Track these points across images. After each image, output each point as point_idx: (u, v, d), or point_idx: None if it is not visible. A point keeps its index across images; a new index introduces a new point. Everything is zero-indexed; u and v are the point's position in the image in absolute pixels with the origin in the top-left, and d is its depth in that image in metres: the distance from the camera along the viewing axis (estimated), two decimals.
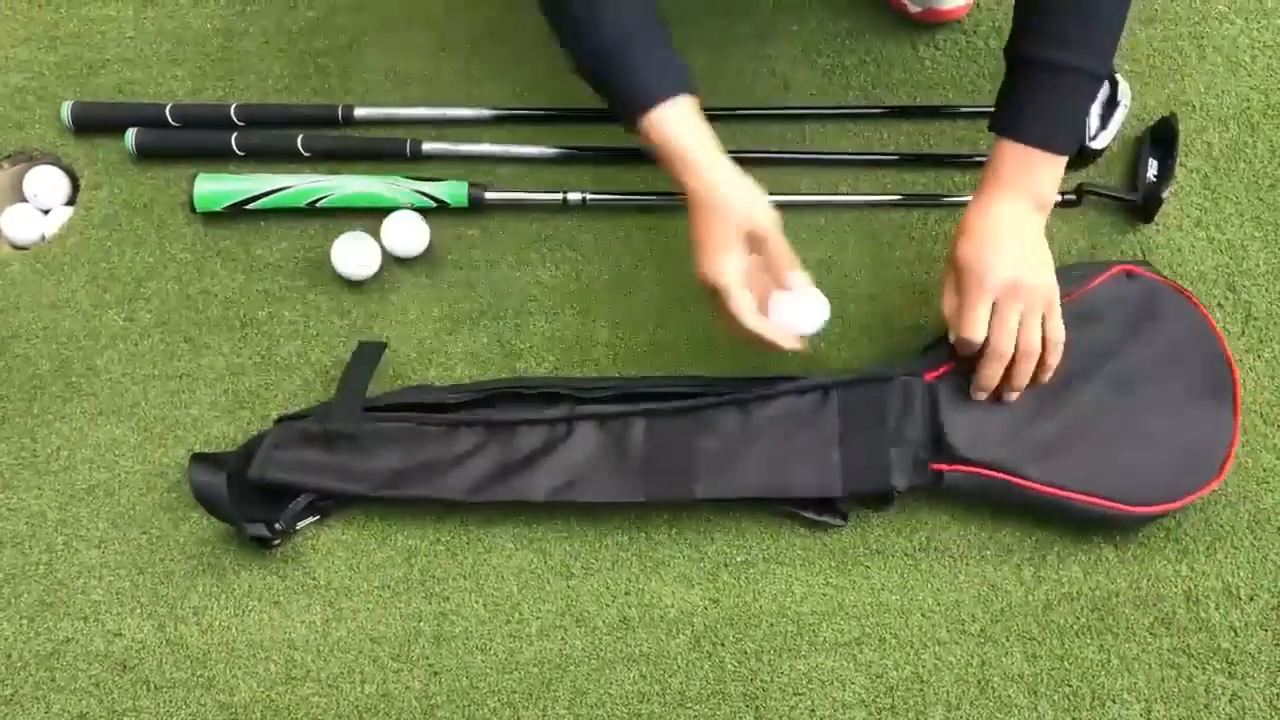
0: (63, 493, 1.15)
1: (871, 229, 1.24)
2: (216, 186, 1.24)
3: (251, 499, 1.08)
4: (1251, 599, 1.08)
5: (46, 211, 1.30)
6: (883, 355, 1.18)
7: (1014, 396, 1.06)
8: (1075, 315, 1.09)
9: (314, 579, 1.11)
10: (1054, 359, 1.04)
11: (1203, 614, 1.07)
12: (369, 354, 1.16)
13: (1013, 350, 1.02)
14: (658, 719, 1.05)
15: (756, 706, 1.06)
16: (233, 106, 1.28)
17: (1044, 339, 1.03)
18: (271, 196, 1.23)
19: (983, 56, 1.31)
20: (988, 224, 1.01)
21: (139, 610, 1.11)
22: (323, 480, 1.09)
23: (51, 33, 1.35)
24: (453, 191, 1.23)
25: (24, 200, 1.30)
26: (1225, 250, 1.22)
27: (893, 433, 1.07)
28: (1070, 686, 1.05)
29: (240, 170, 1.26)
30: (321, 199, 1.23)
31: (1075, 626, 1.07)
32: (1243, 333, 1.17)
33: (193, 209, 1.23)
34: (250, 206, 1.23)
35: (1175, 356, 1.11)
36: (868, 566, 1.10)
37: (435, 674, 1.07)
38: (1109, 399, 1.08)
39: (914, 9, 1.30)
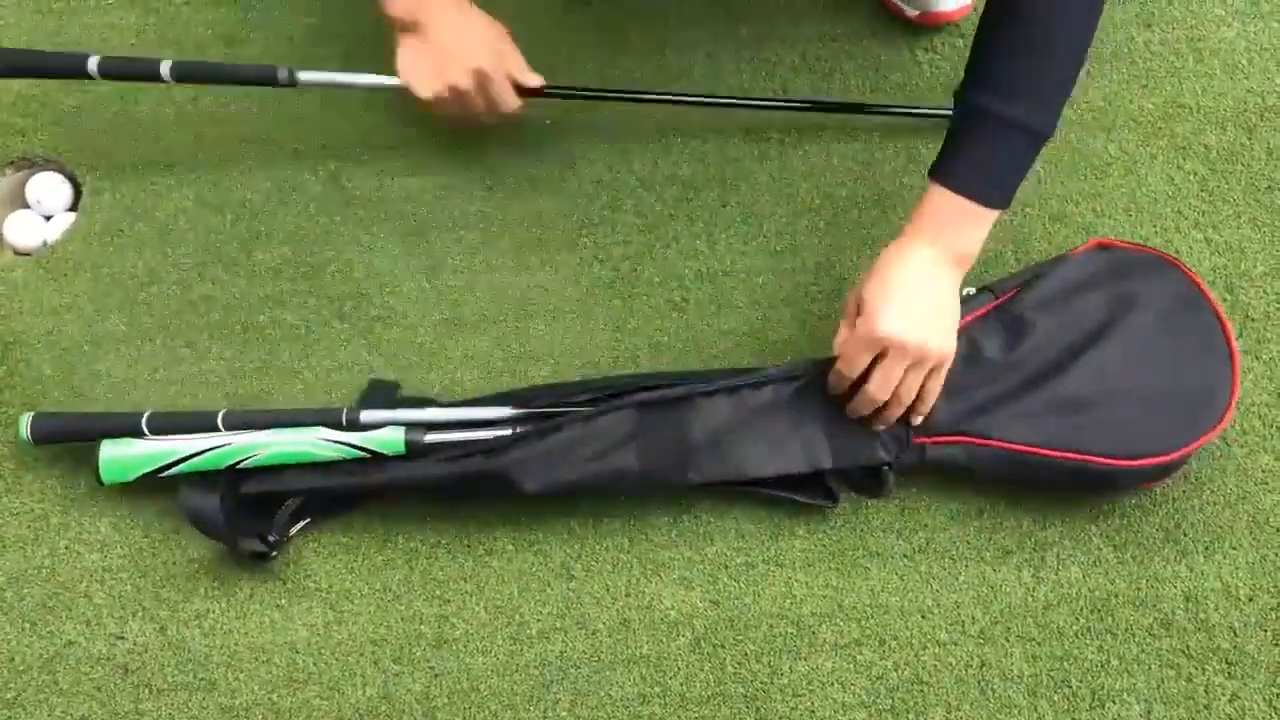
0: (65, 496, 1.15)
1: (871, 234, 1.24)
2: (125, 453, 1.10)
3: (242, 514, 1.09)
4: (1251, 599, 1.08)
5: (49, 217, 1.31)
6: None
7: (880, 427, 1.07)
8: (1055, 286, 1.12)
9: (315, 582, 1.11)
10: (923, 409, 1.05)
11: (1202, 614, 1.07)
12: (381, 398, 1.17)
13: (886, 399, 1.02)
14: None
15: (757, 708, 1.06)
16: (166, 64, 1.16)
17: (922, 390, 1.04)
18: (192, 461, 1.08)
19: None
20: (900, 271, 1.00)
21: (141, 613, 1.11)
22: (313, 481, 1.10)
23: (55, 39, 1.36)
24: (389, 441, 1.09)
25: (27, 206, 1.31)
26: (1223, 252, 1.22)
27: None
28: (1070, 687, 1.05)
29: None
30: (246, 459, 1.08)
31: (1075, 627, 1.07)
32: (1241, 334, 1.18)
33: (99, 481, 1.10)
34: (165, 475, 1.09)
35: (1159, 314, 1.10)
36: (867, 568, 1.10)
37: (436, 676, 1.08)
38: (1094, 361, 1.08)
39: (911, 12, 1.31)
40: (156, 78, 1.15)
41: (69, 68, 1.16)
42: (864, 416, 1.06)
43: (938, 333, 1.00)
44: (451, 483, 1.08)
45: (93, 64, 1.14)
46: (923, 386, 1.03)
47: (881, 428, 1.06)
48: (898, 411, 1.04)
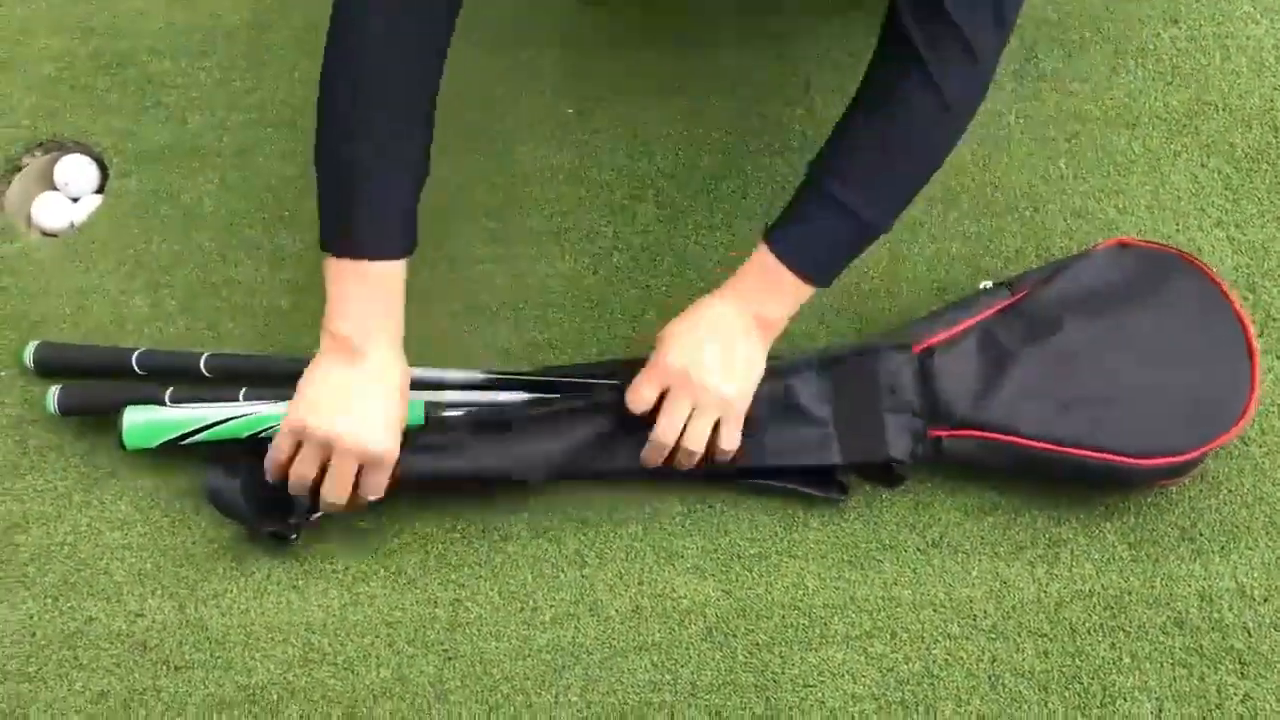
0: (87, 475, 1.17)
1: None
2: (149, 418, 1.11)
3: (265, 497, 1.09)
4: (1266, 600, 1.07)
5: (76, 199, 1.32)
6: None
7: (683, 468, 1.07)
8: (1074, 282, 1.12)
9: (331, 564, 1.12)
10: (722, 456, 1.05)
11: (1216, 614, 1.07)
12: None
13: (674, 442, 1.03)
14: (669, 708, 1.06)
15: (767, 697, 1.06)
16: None
17: (715, 441, 1.04)
18: (215, 429, 1.09)
19: (1004, 56, 1.31)
20: (699, 315, 1.03)
21: (160, 591, 1.12)
22: None
23: (84, 24, 1.38)
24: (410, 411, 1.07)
25: (54, 188, 1.33)
26: (1246, 251, 1.21)
27: (885, 403, 1.08)
28: (1081, 684, 1.05)
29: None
30: (269, 429, 1.08)
31: (1087, 624, 1.07)
32: (1262, 333, 1.17)
33: (122, 446, 1.11)
34: (187, 442, 1.10)
35: (1179, 313, 1.10)
36: (880, 560, 1.10)
37: (449, 659, 1.08)
38: (1112, 358, 1.08)
39: None
40: None
41: None
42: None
43: (727, 379, 1.02)
44: (459, 476, 1.09)
45: None
46: (716, 437, 1.04)
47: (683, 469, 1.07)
48: (689, 462, 1.05)
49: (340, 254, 0.96)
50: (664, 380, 1.03)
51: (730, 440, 1.04)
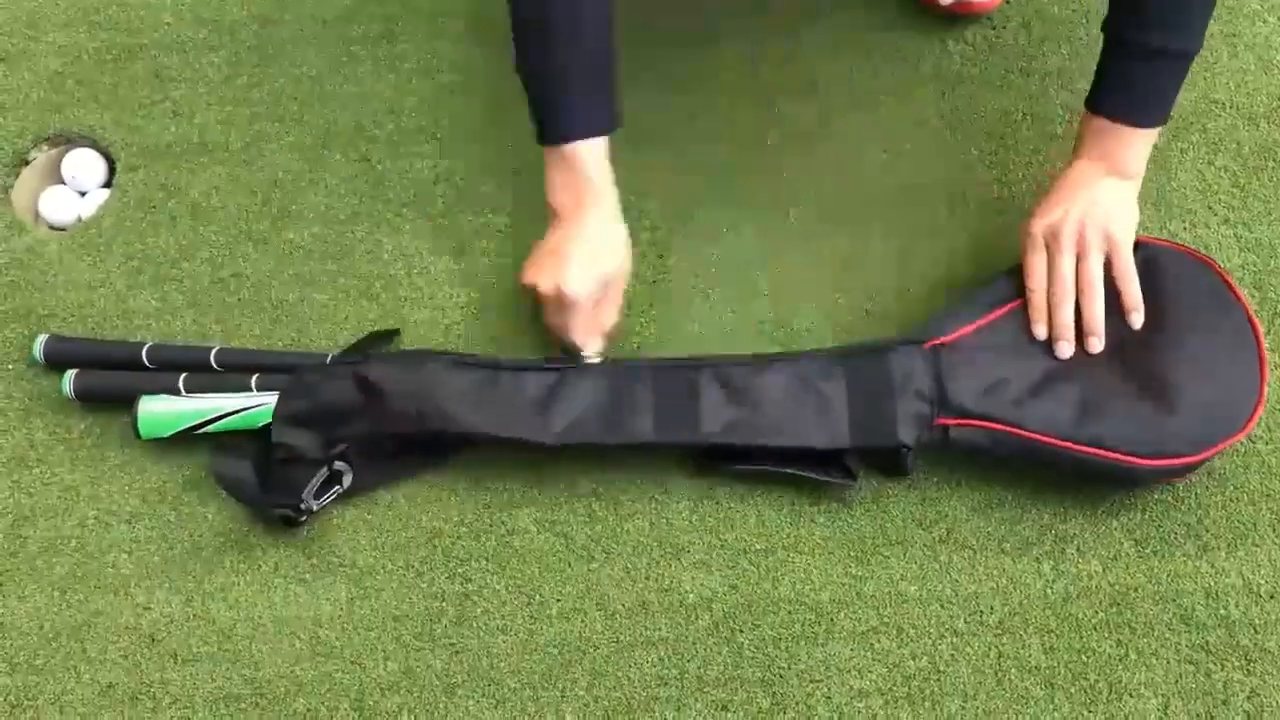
0: (95, 468, 1.17)
1: (897, 226, 1.24)
2: (163, 408, 1.14)
3: (273, 480, 1.10)
4: (1272, 596, 1.07)
5: (83, 193, 1.33)
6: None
7: (1095, 345, 1.08)
8: None
9: (339, 558, 1.13)
10: (1129, 296, 1.08)
11: (1222, 610, 1.07)
12: (379, 336, 1.20)
13: (1071, 291, 1.07)
14: (675, 702, 1.06)
15: (773, 693, 1.06)
16: None
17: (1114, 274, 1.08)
18: (228, 419, 1.13)
19: (1011, 53, 1.32)
20: (1060, 181, 1.09)
21: (167, 584, 1.12)
22: (335, 430, 1.11)
23: (90, 18, 1.38)
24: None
25: (62, 182, 1.33)
26: (1253, 249, 1.21)
27: (897, 392, 1.08)
28: (1087, 680, 1.05)
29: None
30: None
31: (1094, 621, 1.07)
32: (1269, 331, 1.17)
33: (137, 435, 1.14)
34: (200, 432, 1.13)
35: (1189, 311, 1.10)
36: (887, 556, 1.10)
37: (457, 653, 1.09)
38: (1120, 357, 1.08)
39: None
40: None
41: None
42: (1079, 336, 1.09)
43: (1096, 212, 1.07)
44: (480, 435, 1.09)
45: None
46: (1113, 271, 1.08)
47: (1096, 345, 1.08)
48: (1092, 304, 1.07)
49: (546, 142, 1.08)
50: (1039, 239, 1.08)
51: (1126, 264, 1.07)
